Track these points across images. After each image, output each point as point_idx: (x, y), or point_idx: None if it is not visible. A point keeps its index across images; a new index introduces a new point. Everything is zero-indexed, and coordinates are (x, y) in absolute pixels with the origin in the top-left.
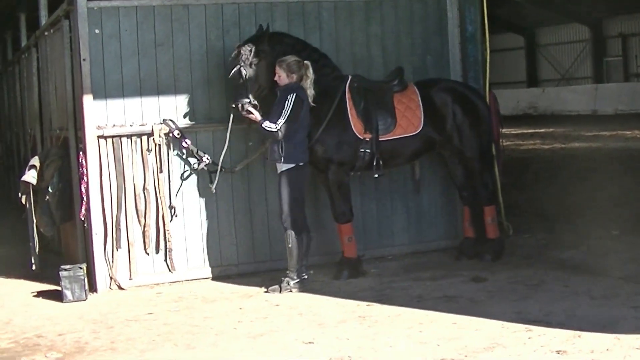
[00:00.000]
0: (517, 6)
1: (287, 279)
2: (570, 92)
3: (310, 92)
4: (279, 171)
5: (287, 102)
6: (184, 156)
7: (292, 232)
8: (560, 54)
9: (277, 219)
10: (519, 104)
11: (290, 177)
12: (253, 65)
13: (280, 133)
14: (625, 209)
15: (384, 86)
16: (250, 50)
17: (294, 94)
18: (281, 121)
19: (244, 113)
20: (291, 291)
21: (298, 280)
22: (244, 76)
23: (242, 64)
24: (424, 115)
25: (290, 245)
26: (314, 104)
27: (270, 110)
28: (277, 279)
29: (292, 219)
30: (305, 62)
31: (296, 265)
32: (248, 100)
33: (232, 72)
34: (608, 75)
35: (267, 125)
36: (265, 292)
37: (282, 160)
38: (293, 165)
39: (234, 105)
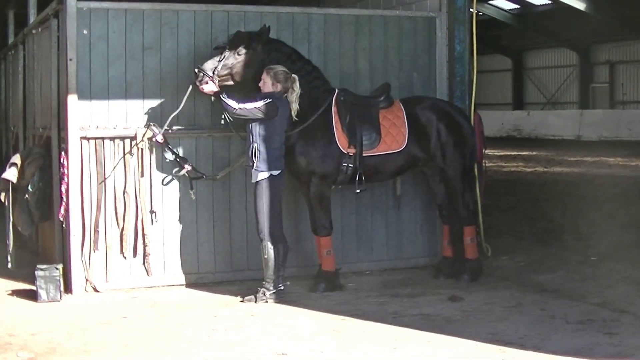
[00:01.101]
0: (507, 28)
1: (263, 289)
2: (555, 116)
3: (295, 106)
4: (253, 181)
5: (261, 101)
6: (166, 161)
7: (269, 242)
8: (547, 78)
9: (255, 229)
10: (504, 126)
11: (265, 187)
12: (237, 54)
13: (235, 109)
14: (605, 235)
15: (370, 101)
16: (246, 40)
17: (270, 100)
18: (243, 107)
19: (197, 82)
20: (267, 302)
21: (274, 291)
22: (223, 57)
23: (229, 45)
24: (408, 132)
25: (266, 256)
26: (296, 118)
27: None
28: (253, 288)
29: (268, 230)
30: (293, 75)
31: (272, 276)
32: (210, 75)
33: (218, 44)
34: (594, 102)
35: (227, 100)
36: (241, 301)
37: (254, 165)
38: (267, 175)
39: (196, 70)
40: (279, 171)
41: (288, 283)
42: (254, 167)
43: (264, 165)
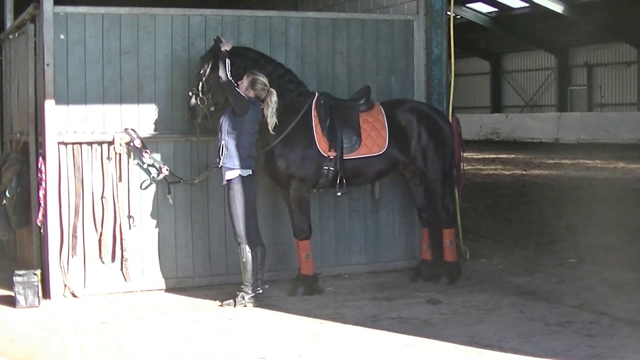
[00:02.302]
0: (485, 31)
1: (242, 293)
2: (533, 119)
3: (272, 120)
4: (223, 182)
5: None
6: (144, 166)
7: (246, 246)
8: (525, 81)
9: (233, 233)
10: (482, 129)
11: (237, 190)
12: (204, 75)
13: (225, 80)
14: (583, 237)
15: (350, 105)
16: (209, 57)
17: (244, 95)
18: (230, 82)
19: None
20: (245, 305)
21: (253, 294)
22: (198, 94)
23: (200, 81)
24: (389, 135)
25: (244, 260)
26: (273, 132)
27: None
28: (232, 292)
29: (244, 233)
30: (271, 89)
31: (250, 280)
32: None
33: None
34: (572, 104)
35: (224, 68)
36: (220, 306)
37: (220, 162)
38: (237, 175)
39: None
40: (249, 172)
41: (267, 286)
42: (220, 164)
43: (231, 162)
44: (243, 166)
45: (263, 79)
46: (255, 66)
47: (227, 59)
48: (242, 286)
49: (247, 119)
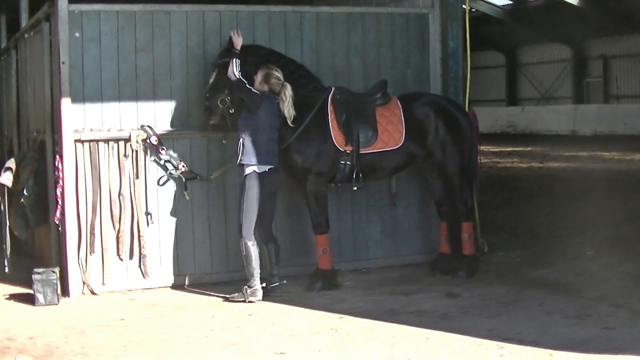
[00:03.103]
0: (500, 24)
1: (245, 286)
2: (549, 111)
3: (289, 112)
4: (242, 177)
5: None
6: (161, 162)
7: (247, 241)
8: (541, 74)
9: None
10: (498, 122)
11: (248, 185)
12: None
13: (234, 77)
14: (601, 230)
15: (366, 99)
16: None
17: (258, 92)
18: (240, 79)
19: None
20: (248, 299)
21: (255, 288)
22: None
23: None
24: (405, 129)
25: (244, 254)
26: (292, 125)
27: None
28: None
29: (246, 228)
30: (285, 83)
31: (253, 274)
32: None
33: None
34: (588, 96)
35: (235, 65)
36: (225, 300)
37: (239, 159)
38: (251, 171)
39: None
40: (266, 168)
41: (284, 282)
42: (239, 161)
43: (248, 159)
44: (260, 162)
45: (277, 72)
46: (266, 63)
47: (236, 58)
48: (246, 280)
49: (262, 114)
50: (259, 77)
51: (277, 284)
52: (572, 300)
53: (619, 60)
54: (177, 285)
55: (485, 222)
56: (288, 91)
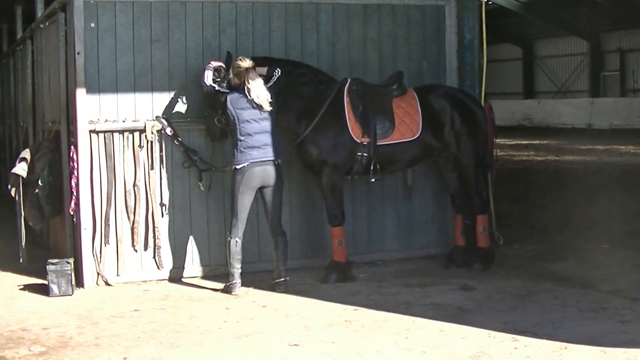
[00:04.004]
0: (517, 17)
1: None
2: (566, 105)
3: (260, 96)
4: None
5: (215, 85)
6: (176, 153)
7: (229, 237)
8: (558, 67)
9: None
10: (514, 115)
11: (232, 181)
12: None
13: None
14: (617, 223)
15: (383, 90)
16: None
17: (219, 90)
18: (208, 84)
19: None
20: (227, 292)
21: (233, 282)
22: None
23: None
24: (422, 121)
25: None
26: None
27: None
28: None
29: (231, 223)
30: (249, 68)
31: (229, 269)
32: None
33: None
34: (604, 90)
35: (207, 75)
36: (217, 290)
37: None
38: (233, 168)
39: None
40: (241, 165)
41: (288, 278)
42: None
43: (233, 157)
44: (238, 159)
45: (241, 62)
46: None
47: (211, 69)
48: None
49: (232, 110)
50: (231, 75)
51: (282, 279)
52: (587, 293)
53: (636, 53)
54: (192, 277)
55: (501, 214)
56: (251, 75)
